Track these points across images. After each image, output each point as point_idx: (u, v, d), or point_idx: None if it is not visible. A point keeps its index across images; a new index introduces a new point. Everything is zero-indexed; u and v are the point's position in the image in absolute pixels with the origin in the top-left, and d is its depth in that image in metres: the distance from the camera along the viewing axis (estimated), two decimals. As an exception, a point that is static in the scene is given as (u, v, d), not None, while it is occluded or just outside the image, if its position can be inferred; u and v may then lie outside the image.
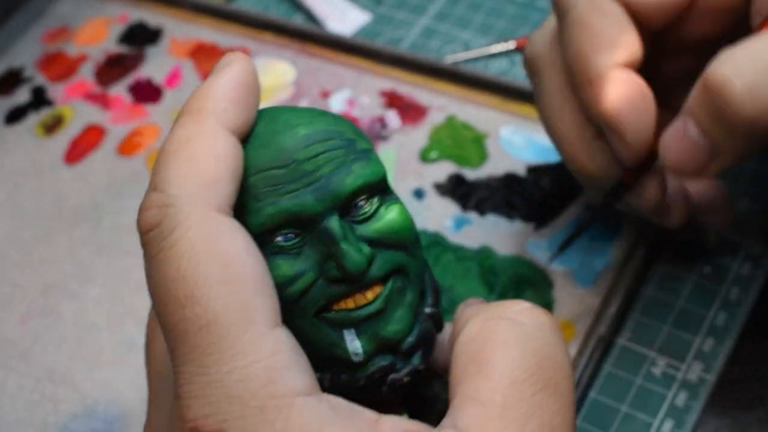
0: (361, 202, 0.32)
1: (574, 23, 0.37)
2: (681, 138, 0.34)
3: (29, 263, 0.52)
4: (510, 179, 0.50)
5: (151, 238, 0.30)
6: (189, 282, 0.28)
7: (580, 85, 0.38)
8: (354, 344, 0.32)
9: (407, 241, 0.33)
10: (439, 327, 0.35)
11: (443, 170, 0.51)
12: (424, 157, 0.52)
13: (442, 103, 0.54)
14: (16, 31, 0.64)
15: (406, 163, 0.52)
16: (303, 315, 0.32)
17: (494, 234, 0.48)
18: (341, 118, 0.33)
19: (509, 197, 0.50)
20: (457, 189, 0.50)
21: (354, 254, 0.31)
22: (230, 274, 0.29)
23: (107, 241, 0.52)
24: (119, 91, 0.59)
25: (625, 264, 0.45)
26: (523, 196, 0.49)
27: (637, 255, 0.45)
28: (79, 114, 0.59)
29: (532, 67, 0.42)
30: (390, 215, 0.33)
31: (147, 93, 0.59)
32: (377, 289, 0.32)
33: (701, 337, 0.44)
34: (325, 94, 0.56)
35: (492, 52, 0.56)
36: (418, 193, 0.51)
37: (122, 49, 0.62)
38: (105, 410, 0.46)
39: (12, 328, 0.49)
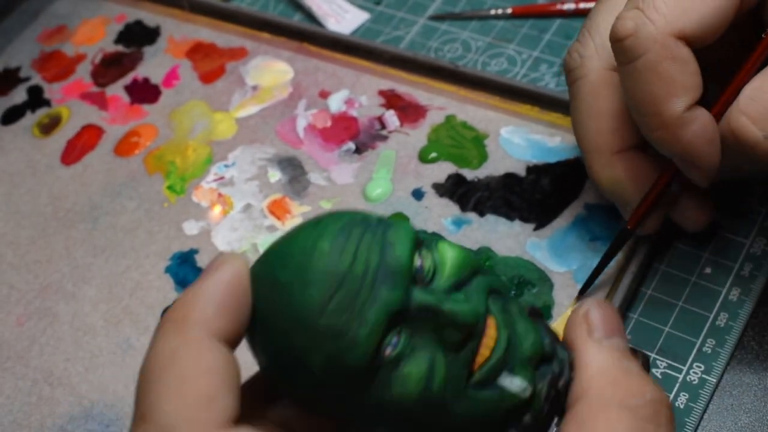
0: (418, 263, 0.30)
1: (644, 69, 0.38)
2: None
3: (25, 264, 0.52)
4: (510, 179, 0.50)
5: None
6: None
7: (650, 126, 0.39)
8: (515, 383, 0.30)
9: (475, 264, 0.31)
10: (539, 313, 0.33)
11: (442, 170, 0.51)
12: (424, 157, 0.52)
13: (442, 102, 0.54)
14: (12, 31, 0.64)
15: (406, 163, 0.52)
16: (458, 398, 0.30)
17: (494, 234, 0.48)
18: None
19: (509, 197, 0.49)
20: (456, 189, 0.50)
21: (459, 306, 0.29)
22: None
23: (104, 242, 0.52)
24: (116, 90, 0.59)
25: (626, 265, 0.45)
26: (522, 196, 0.49)
27: (637, 256, 0.45)
28: (76, 114, 0.58)
29: (569, 77, 0.44)
30: (447, 255, 0.31)
31: (144, 93, 0.59)
32: (491, 323, 0.30)
33: (702, 338, 0.43)
34: (324, 94, 0.56)
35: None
36: (417, 194, 0.50)
37: (119, 49, 0.61)
38: (102, 412, 0.45)
39: (8, 329, 0.49)
